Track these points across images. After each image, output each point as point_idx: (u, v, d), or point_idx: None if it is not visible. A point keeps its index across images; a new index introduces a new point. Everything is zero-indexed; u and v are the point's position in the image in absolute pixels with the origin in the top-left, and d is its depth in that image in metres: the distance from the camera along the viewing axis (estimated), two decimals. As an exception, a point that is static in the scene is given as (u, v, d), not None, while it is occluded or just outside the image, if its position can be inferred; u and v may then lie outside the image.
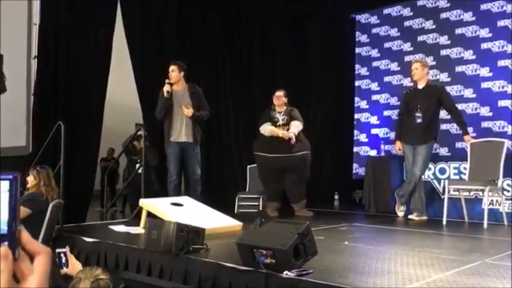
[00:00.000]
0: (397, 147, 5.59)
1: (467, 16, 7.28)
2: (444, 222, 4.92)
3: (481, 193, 5.23)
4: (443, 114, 5.79)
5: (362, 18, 8.59)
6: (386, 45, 8.16)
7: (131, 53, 6.32)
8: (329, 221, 5.07)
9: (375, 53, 8.34)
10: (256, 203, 6.23)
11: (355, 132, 8.55)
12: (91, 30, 5.79)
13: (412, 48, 7.83)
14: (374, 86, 8.33)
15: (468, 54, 7.25)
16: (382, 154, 7.47)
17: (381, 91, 8.24)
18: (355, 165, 8.44)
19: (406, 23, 7.93)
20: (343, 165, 8.33)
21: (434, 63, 7.39)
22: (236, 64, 7.51)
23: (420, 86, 5.41)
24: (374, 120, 8.30)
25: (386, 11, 8.21)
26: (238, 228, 4.28)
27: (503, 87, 6.92)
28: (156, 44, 6.56)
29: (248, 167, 6.69)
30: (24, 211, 3.66)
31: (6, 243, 0.59)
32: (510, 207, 5.28)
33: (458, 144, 6.96)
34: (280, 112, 5.75)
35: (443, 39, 7.50)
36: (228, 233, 3.94)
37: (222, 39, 7.35)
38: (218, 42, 7.31)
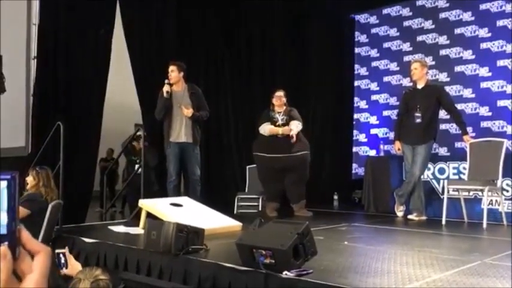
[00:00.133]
0: (397, 147, 5.60)
1: (467, 16, 7.29)
2: (443, 222, 4.92)
3: (480, 193, 5.24)
4: (442, 114, 5.79)
5: (361, 18, 8.60)
6: (386, 45, 8.17)
7: (130, 53, 6.32)
8: (328, 221, 5.07)
9: (374, 53, 8.34)
10: (256, 203, 6.23)
11: (355, 132, 8.55)
12: (90, 31, 5.79)
13: (411, 48, 7.84)
14: (373, 86, 8.33)
15: (467, 54, 7.26)
16: (382, 154, 7.48)
17: (380, 91, 8.24)
18: (354, 165, 8.44)
19: (406, 23, 7.94)
20: (342, 165, 8.33)
21: (433, 63, 7.40)
22: (235, 64, 7.51)
23: (419, 86, 5.41)
24: (373, 120, 8.31)
25: (385, 11, 8.21)
26: (238, 229, 4.28)
27: (502, 87, 6.93)
28: (156, 44, 6.56)
29: (247, 167, 6.69)
30: (23, 211, 3.65)
31: (6, 243, 0.59)
32: (509, 207, 5.28)
33: (458, 144, 6.97)
34: (279, 112, 5.75)
35: (443, 39, 7.50)
36: (228, 233, 3.94)
37: (221, 39, 7.36)
38: (217, 42, 7.31)
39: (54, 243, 3.89)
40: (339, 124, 8.41)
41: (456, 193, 5.25)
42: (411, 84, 5.91)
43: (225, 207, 5.31)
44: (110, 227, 4.50)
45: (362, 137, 8.45)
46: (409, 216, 5.44)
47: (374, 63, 8.32)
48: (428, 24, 7.68)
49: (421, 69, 5.36)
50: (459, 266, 2.79)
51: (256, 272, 2.56)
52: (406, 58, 7.71)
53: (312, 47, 8.19)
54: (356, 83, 8.57)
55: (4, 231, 0.60)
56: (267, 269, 2.51)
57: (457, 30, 7.36)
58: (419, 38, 7.74)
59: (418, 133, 5.32)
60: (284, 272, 2.46)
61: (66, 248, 2.86)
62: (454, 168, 5.83)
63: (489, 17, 7.07)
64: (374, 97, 8.31)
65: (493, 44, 7.02)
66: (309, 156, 5.76)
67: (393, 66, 8.08)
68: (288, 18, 8.04)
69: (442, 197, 5.43)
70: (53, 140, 5.05)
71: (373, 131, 8.29)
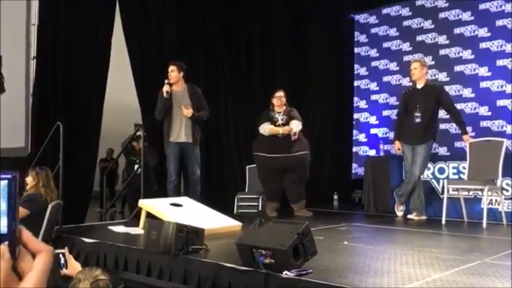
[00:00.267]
0: (396, 147, 5.60)
1: (466, 16, 7.29)
2: (443, 222, 4.93)
3: (480, 192, 5.24)
4: (442, 113, 5.79)
5: (361, 18, 8.60)
6: (385, 45, 8.17)
7: (130, 53, 6.32)
8: (328, 221, 5.07)
9: (373, 52, 8.34)
10: (256, 203, 6.23)
11: (354, 132, 8.55)
12: (90, 31, 5.79)
13: (411, 48, 7.84)
14: (373, 86, 8.34)
15: (467, 54, 7.26)
16: (382, 154, 7.48)
17: (380, 91, 8.24)
18: (354, 165, 8.45)
19: (405, 23, 7.94)
20: (342, 165, 8.33)
21: (433, 62, 7.40)
22: (235, 64, 7.51)
23: (419, 85, 5.42)
24: (373, 120, 8.31)
25: (385, 11, 8.22)
26: (238, 229, 4.28)
27: (502, 86, 6.93)
28: (156, 44, 6.55)
29: (247, 167, 6.69)
30: (23, 212, 3.65)
31: (6, 242, 0.59)
32: (509, 207, 5.28)
33: (458, 144, 6.97)
34: (279, 112, 5.75)
35: (442, 39, 7.51)
36: (228, 233, 3.94)
37: (221, 39, 7.35)
38: (217, 42, 7.31)
39: (54, 243, 3.89)
40: (339, 124, 8.41)
41: (456, 193, 5.26)
42: (411, 84, 5.91)
43: (225, 207, 5.32)
44: (109, 227, 4.50)
45: (362, 137, 8.46)
46: (409, 216, 5.44)
47: (374, 63, 8.33)
48: (427, 24, 7.68)
49: (421, 69, 5.37)
50: (459, 266, 2.79)
51: (256, 272, 2.56)
52: (405, 58, 7.71)
53: (312, 47, 8.19)
54: (356, 83, 8.57)
55: (4, 231, 0.60)
56: (267, 269, 2.51)
57: (457, 30, 7.36)
58: (419, 38, 7.75)
59: (417, 133, 5.32)
60: (284, 272, 2.46)
61: (66, 248, 2.86)
62: (453, 167, 5.83)
63: (488, 17, 7.07)
64: (374, 97, 8.31)
65: (493, 43, 7.02)
66: (308, 156, 5.76)
67: (393, 66, 8.08)
68: (288, 18, 8.04)
69: (441, 196, 5.43)
70: (52, 140, 5.05)
71: (372, 131, 8.30)
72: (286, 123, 5.65)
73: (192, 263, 2.98)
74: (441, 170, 5.91)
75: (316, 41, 8.23)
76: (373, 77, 8.33)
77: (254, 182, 6.36)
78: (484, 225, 4.71)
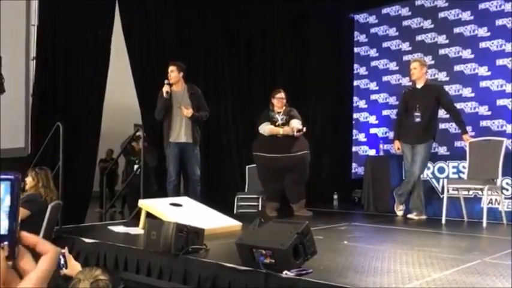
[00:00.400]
0: (396, 147, 5.60)
1: (466, 15, 7.29)
2: (443, 221, 4.93)
3: (480, 192, 5.24)
4: (442, 113, 5.79)
5: (360, 17, 8.60)
6: (385, 44, 8.17)
7: (130, 53, 6.31)
8: (328, 221, 5.07)
9: (373, 52, 8.34)
10: (256, 203, 6.23)
11: (354, 131, 8.55)
12: (90, 31, 5.78)
13: (410, 48, 7.84)
14: (373, 86, 8.34)
15: (467, 53, 7.26)
16: (381, 153, 7.48)
17: (379, 90, 8.25)
18: (354, 165, 8.45)
19: (405, 23, 7.94)
20: (342, 165, 8.33)
21: (432, 62, 7.40)
22: (235, 64, 7.51)
23: (419, 85, 5.42)
24: (373, 119, 8.31)
25: (384, 11, 8.22)
26: (238, 229, 4.28)
27: (501, 86, 6.93)
28: (155, 44, 6.55)
29: (247, 167, 6.69)
30: (23, 212, 3.65)
31: (6, 242, 0.59)
32: (509, 206, 5.29)
33: (457, 143, 6.97)
34: (279, 112, 5.75)
35: (442, 39, 7.51)
36: (228, 233, 3.95)
37: (221, 39, 7.35)
38: (217, 42, 7.30)
39: (54, 243, 3.88)
40: (339, 124, 8.41)
41: (456, 192, 5.26)
42: (410, 83, 5.92)
43: (225, 207, 5.31)
44: (109, 227, 4.50)
45: (361, 137, 8.46)
46: (409, 216, 5.44)
47: (373, 63, 8.33)
48: (427, 24, 7.68)
49: (420, 69, 5.37)
50: (459, 265, 2.80)
51: (256, 271, 2.56)
52: (405, 57, 7.71)
53: (312, 47, 8.19)
54: (355, 83, 8.57)
55: (5, 231, 0.60)
56: (267, 268, 2.51)
57: (456, 30, 7.36)
58: (419, 38, 7.75)
59: (417, 132, 5.33)
60: (284, 272, 2.46)
61: (66, 248, 2.86)
62: (453, 167, 5.83)
63: (488, 16, 7.07)
64: (373, 96, 8.31)
65: (492, 43, 7.02)
66: (308, 156, 5.76)
67: (392, 66, 8.08)
68: (288, 19, 8.04)
69: (441, 196, 5.43)
70: (52, 141, 5.05)
71: (372, 131, 8.30)
72: (286, 123, 5.66)
73: (192, 263, 2.98)
74: (441, 170, 5.91)
75: (316, 40, 8.23)
76: (372, 76, 8.33)
77: (254, 182, 6.37)
78: (484, 224, 4.71)
